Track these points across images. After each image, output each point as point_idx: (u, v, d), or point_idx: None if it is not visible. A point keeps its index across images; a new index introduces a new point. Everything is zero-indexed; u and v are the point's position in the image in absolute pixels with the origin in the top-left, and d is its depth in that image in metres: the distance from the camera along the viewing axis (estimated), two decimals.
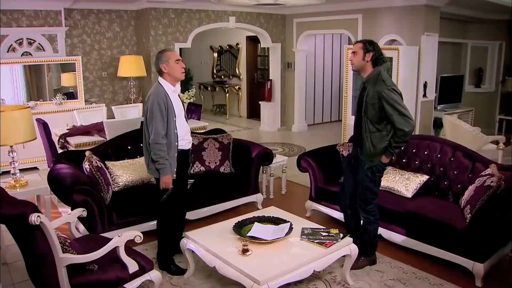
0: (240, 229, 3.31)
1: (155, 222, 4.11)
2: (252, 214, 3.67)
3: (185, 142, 3.48)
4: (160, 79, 3.39)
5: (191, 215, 4.26)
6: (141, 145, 4.56)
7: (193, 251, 3.33)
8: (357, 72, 3.57)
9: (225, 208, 4.69)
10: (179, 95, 3.57)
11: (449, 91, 8.04)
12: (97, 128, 5.53)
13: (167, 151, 3.30)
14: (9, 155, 4.02)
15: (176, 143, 3.37)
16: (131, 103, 7.53)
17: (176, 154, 3.37)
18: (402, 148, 3.35)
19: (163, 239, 3.60)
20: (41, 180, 4.36)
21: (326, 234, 3.29)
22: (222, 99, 11.88)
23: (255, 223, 3.40)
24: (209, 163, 4.82)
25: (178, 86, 3.49)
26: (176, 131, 3.35)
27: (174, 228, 3.63)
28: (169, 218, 3.57)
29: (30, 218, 2.38)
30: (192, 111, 6.99)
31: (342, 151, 4.68)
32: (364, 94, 3.37)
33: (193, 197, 4.24)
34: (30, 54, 6.88)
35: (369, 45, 3.34)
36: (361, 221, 3.67)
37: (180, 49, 8.04)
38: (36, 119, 4.90)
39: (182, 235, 3.52)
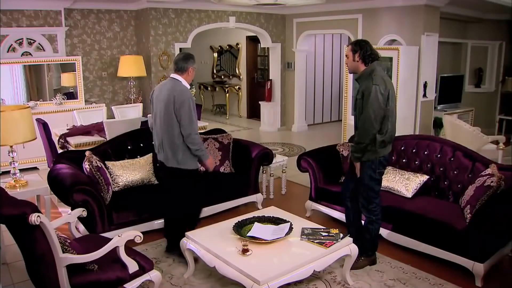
0: (240, 229, 3.31)
1: (155, 222, 4.15)
2: (252, 214, 3.67)
3: None
4: (178, 77, 3.57)
5: None
6: (142, 145, 4.62)
7: (193, 251, 3.33)
8: (353, 73, 3.59)
9: (225, 208, 4.69)
10: None
11: (449, 91, 8.03)
12: (97, 128, 5.53)
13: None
14: (9, 155, 4.01)
15: None
16: (131, 103, 7.53)
17: None
18: (358, 155, 3.34)
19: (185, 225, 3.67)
20: (41, 180, 4.35)
21: (326, 234, 3.29)
22: (222, 99, 11.89)
23: (255, 223, 3.40)
24: None
25: None
26: None
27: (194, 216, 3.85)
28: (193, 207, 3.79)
29: (30, 218, 2.38)
30: None
31: (342, 151, 4.68)
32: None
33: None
34: (30, 54, 6.88)
35: (355, 46, 3.39)
36: (363, 221, 3.67)
37: (180, 49, 8.04)
38: (36, 119, 4.90)
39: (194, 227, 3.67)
